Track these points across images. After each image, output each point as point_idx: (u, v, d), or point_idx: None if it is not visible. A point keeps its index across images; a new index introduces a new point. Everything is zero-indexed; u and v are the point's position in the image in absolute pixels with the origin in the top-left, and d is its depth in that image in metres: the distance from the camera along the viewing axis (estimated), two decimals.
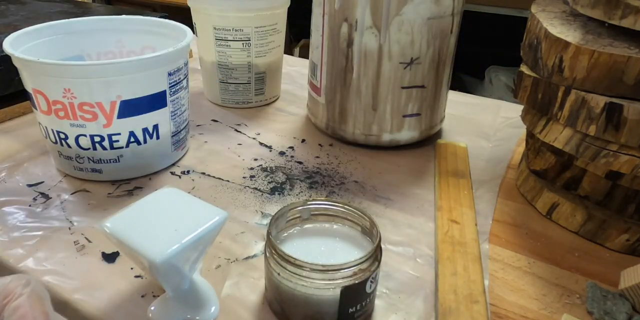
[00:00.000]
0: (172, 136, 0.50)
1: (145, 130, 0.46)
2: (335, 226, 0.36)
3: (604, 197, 0.42)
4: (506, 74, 1.53)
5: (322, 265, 0.30)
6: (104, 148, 0.46)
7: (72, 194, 0.47)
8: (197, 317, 0.34)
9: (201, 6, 0.59)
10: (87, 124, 0.44)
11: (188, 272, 0.34)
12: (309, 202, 0.36)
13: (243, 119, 0.63)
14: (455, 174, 0.51)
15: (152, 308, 0.34)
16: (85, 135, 0.45)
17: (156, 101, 0.46)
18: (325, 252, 0.34)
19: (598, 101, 0.37)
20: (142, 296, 0.36)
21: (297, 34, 1.71)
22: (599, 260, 0.41)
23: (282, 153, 0.55)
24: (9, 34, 0.47)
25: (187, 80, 0.50)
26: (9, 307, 0.19)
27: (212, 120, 0.62)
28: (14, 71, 0.45)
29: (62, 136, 0.46)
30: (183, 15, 0.71)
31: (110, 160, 0.47)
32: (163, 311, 0.34)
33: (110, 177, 0.48)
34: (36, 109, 0.45)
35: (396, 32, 0.48)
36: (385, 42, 0.49)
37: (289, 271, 0.31)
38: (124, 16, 0.55)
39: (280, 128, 0.61)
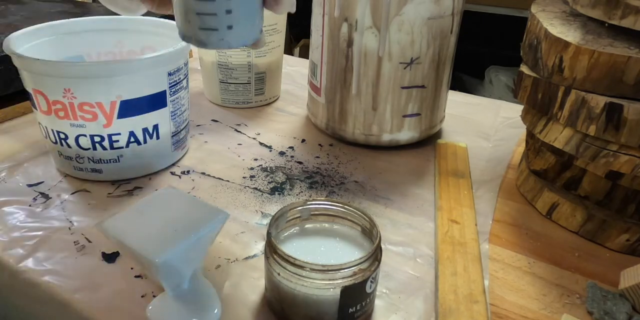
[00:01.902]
0: (172, 136, 0.50)
1: (145, 130, 0.46)
2: (335, 226, 0.36)
3: (604, 197, 0.42)
4: (506, 74, 1.53)
5: (322, 265, 0.30)
6: (104, 148, 0.46)
7: (72, 194, 0.47)
8: None
9: None
10: (87, 124, 0.44)
11: (188, 272, 0.34)
12: (309, 202, 0.36)
13: (243, 119, 0.63)
14: (455, 174, 0.51)
15: (150, 307, 0.34)
16: (85, 135, 0.45)
17: (156, 101, 0.46)
18: (325, 252, 0.34)
19: (598, 101, 0.37)
20: (142, 296, 0.36)
21: (297, 34, 1.71)
22: (599, 260, 0.41)
23: (282, 153, 0.55)
24: (9, 34, 0.47)
25: (187, 80, 0.50)
26: None
27: (212, 120, 0.62)
28: (14, 71, 0.45)
29: (62, 136, 0.46)
30: None
31: (110, 160, 0.47)
32: (161, 310, 0.34)
33: (110, 177, 0.48)
34: (36, 109, 0.45)
35: (396, 32, 0.48)
36: (385, 42, 0.49)
37: (289, 271, 0.31)
38: (124, 16, 0.55)
39: (280, 128, 0.61)
